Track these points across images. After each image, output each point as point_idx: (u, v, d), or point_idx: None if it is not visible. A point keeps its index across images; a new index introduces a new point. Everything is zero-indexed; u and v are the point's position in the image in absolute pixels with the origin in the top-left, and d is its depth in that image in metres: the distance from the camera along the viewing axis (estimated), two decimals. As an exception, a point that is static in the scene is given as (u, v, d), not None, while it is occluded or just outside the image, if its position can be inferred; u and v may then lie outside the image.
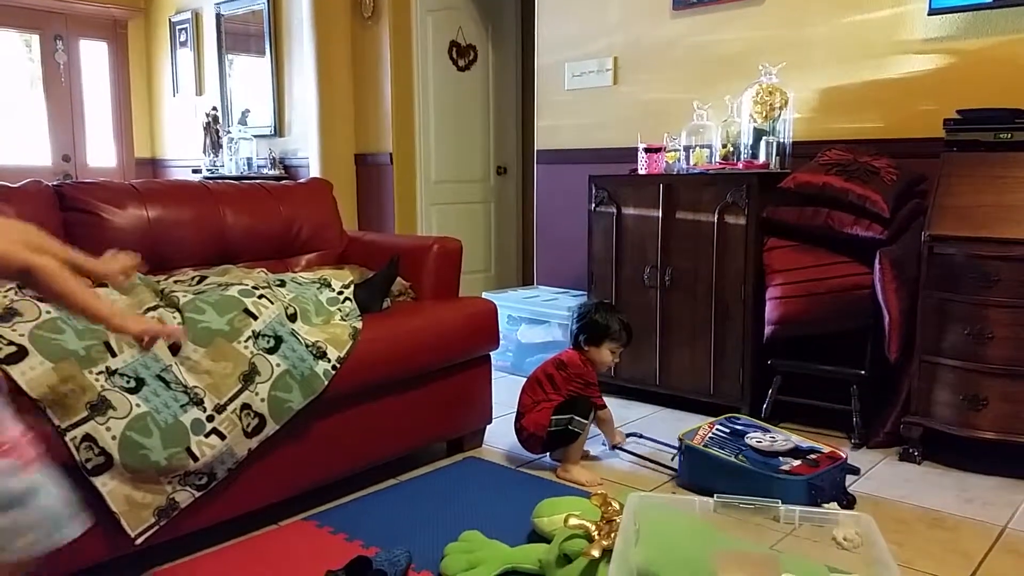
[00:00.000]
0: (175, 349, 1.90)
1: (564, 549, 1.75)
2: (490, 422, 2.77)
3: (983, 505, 2.28)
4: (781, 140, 3.06)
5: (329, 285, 2.44)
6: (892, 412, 2.70)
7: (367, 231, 4.04)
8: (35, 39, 6.05)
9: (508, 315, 3.75)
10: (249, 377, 1.96)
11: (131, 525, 1.73)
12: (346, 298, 2.42)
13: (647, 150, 3.26)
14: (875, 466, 2.57)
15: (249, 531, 2.09)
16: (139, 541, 1.75)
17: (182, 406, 1.82)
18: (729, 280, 2.96)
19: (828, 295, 2.74)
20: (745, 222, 2.89)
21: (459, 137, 5.13)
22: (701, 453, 2.36)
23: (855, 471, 2.48)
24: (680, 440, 2.44)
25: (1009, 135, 2.50)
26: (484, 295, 3.67)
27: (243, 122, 5.71)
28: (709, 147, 3.21)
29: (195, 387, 1.88)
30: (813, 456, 2.29)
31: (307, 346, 2.10)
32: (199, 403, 1.86)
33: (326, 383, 2.09)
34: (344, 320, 2.32)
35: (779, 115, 3.03)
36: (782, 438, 2.38)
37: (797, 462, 2.25)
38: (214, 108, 5.80)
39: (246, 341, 2.00)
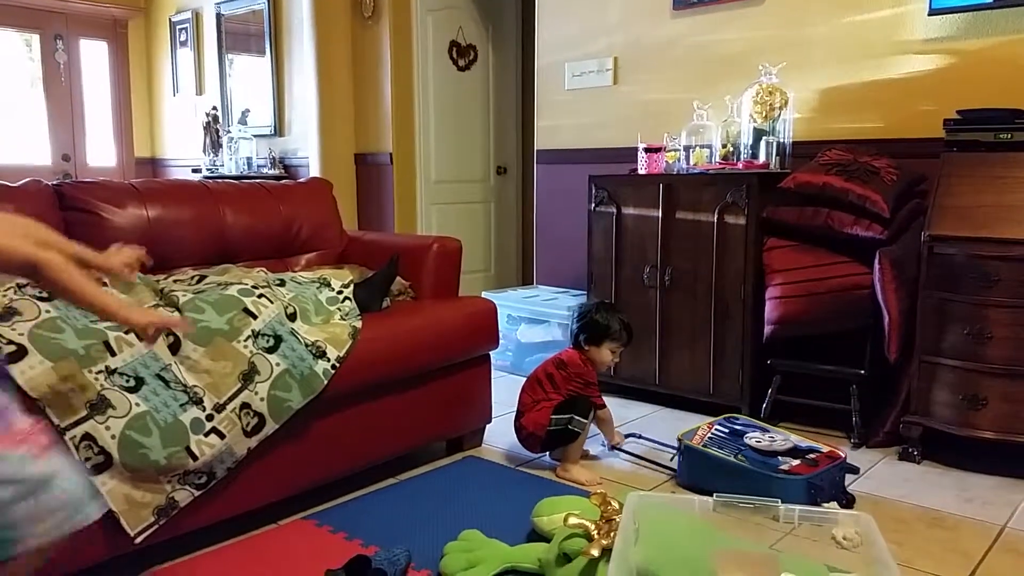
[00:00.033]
0: (175, 348, 1.90)
1: (564, 548, 1.75)
2: (490, 421, 2.77)
3: (983, 505, 2.28)
4: (781, 140, 3.06)
5: (329, 284, 2.44)
6: (892, 412, 2.70)
7: (367, 231, 4.03)
8: (35, 39, 6.05)
9: (508, 315, 3.75)
10: (249, 376, 1.96)
11: (131, 524, 1.73)
12: (346, 297, 2.42)
13: (647, 150, 3.26)
14: (874, 466, 2.57)
15: (248, 530, 2.09)
16: (139, 540, 1.75)
17: (181, 405, 1.82)
18: (729, 280, 2.96)
19: (828, 295, 2.74)
20: (745, 222, 2.89)
21: (459, 137, 5.13)
22: (700, 453, 2.36)
23: (854, 470, 2.48)
24: (679, 440, 2.44)
25: (1009, 135, 2.50)
26: (484, 295, 3.68)
27: (243, 122, 5.71)
28: (709, 147, 3.21)
29: (195, 386, 1.88)
30: (812, 456, 2.29)
31: (307, 345, 2.10)
32: (199, 402, 1.86)
33: (325, 382, 2.10)
34: (344, 319, 2.32)
35: (779, 115, 3.03)
36: (781, 438, 2.38)
37: (796, 462, 2.25)
38: (214, 108, 5.79)
39: (246, 340, 2.00)
